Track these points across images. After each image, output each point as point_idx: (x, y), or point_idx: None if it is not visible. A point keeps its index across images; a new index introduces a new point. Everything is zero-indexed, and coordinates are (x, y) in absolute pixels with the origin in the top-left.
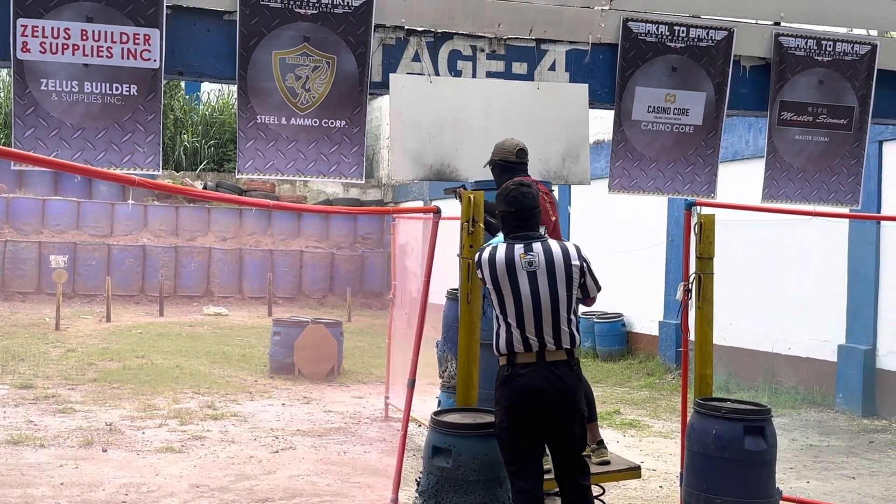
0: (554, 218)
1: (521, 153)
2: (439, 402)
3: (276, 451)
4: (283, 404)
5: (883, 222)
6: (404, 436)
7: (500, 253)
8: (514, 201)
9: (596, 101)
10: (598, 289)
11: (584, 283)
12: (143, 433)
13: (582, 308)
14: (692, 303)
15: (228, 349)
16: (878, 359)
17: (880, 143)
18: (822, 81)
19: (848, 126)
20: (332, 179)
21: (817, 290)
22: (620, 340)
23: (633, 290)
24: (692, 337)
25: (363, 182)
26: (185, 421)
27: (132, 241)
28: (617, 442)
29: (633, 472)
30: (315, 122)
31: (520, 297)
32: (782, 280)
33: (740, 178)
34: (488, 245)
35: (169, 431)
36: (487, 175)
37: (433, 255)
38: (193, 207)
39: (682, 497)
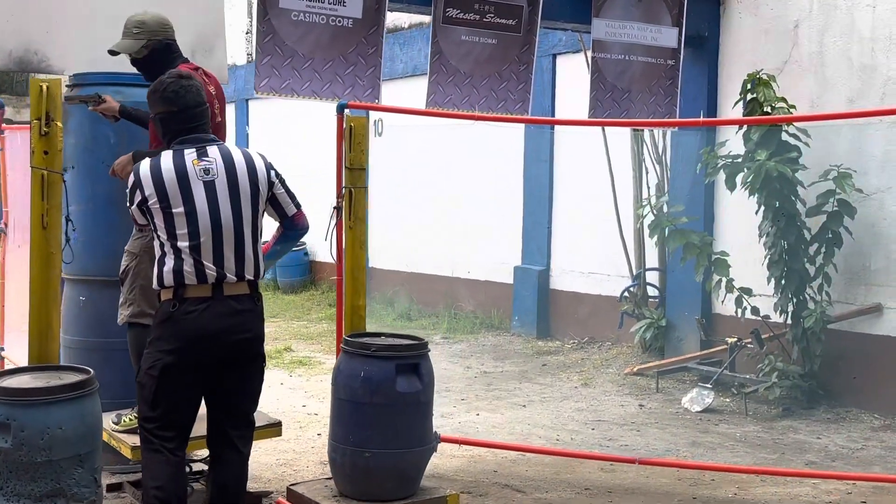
0: (219, 120)
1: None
2: None
3: None
4: None
5: (556, 141)
6: None
7: (167, 161)
8: (176, 98)
9: None
10: (298, 205)
11: (274, 198)
12: None
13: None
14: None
15: None
16: (552, 279)
17: (554, 56)
18: None
19: (517, 27)
20: None
21: (495, 211)
22: (303, 271)
23: (316, 217)
24: None
25: None
26: None
27: None
28: (281, 384)
29: (273, 428)
30: None
31: (194, 214)
32: (460, 202)
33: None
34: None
35: None
36: (93, 68)
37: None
38: None
39: (328, 453)
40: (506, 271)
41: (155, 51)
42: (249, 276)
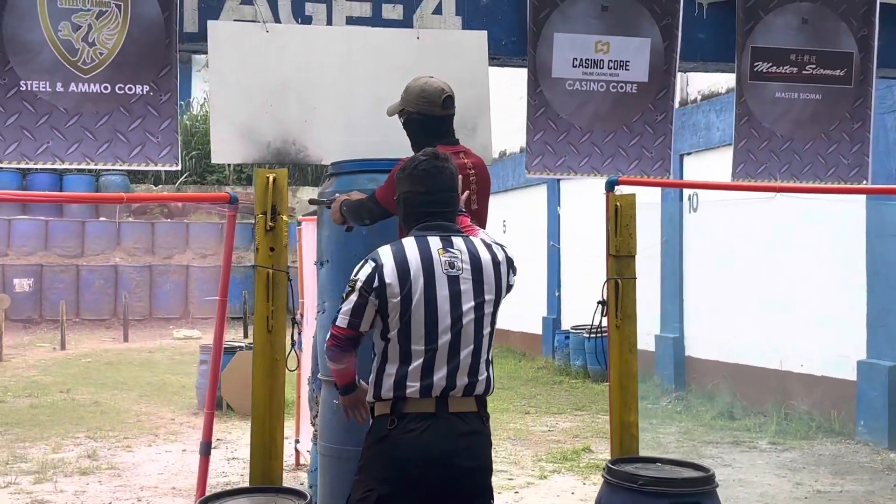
0: (475, 207)
1: (449, 102)
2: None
3: None
4: (184, 450)
5: None
6: None
7: (411, 248)
8: (425, 178)
9: (500, 54)
10: None
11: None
12: None
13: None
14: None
15: (173, 378)
16: None
17: None
18: (807, 20)
19: (846, 78)
20: (134, 167)
21: (832, 295)
22: None
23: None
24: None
25: (179, 168)
26: (41, 478)
27: (103, 262)
28: (572, 493)
29: None
30: (105, 89)
31: (435, 312)
32: (790, 284)
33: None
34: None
35: (11, 494)
36: (351, 155)
37: (230, 259)
38: (170, 223)
39: None
40: (847, 366)
41: (411, 122)
42: (479, 390)
